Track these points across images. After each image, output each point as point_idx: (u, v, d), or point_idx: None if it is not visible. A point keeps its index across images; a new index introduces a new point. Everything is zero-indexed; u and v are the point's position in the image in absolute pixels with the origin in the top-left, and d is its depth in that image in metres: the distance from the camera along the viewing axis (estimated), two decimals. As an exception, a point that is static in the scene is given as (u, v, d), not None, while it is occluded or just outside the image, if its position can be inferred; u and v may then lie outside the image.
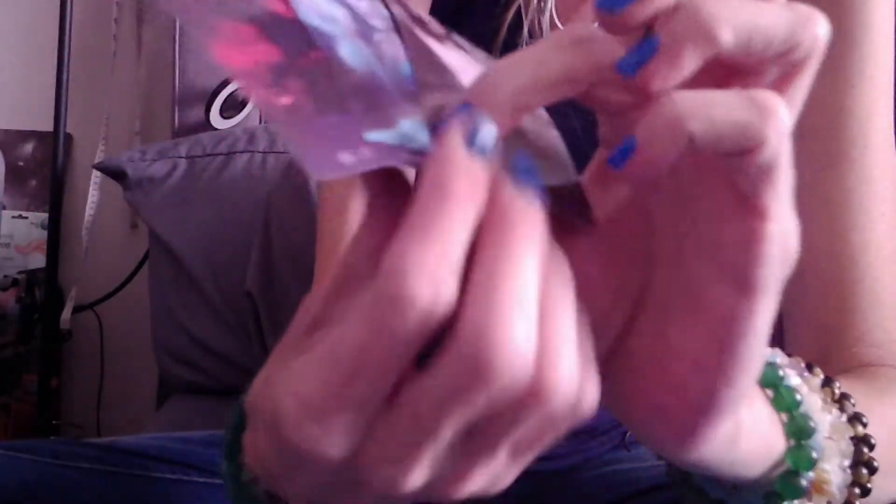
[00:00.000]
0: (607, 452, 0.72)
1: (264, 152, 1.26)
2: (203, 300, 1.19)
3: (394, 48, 0.29)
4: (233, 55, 0.26)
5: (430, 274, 0.23)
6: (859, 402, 0.39)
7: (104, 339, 1.67)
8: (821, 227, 0.54)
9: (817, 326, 0.53)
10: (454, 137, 0.25)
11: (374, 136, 0.26)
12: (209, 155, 1.27)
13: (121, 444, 0.65)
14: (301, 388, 0.26)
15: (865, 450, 0.38)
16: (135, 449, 0.64)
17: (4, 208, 1.73)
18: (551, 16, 0.64)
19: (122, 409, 1.66)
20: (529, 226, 0.25)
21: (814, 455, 0.36)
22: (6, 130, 1.76)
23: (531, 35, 0.63)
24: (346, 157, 0.25)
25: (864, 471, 0.38)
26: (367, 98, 0.27)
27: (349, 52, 0.28)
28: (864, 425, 0.39)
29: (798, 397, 0.36)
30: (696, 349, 0.29)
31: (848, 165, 0.55)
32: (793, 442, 0.36)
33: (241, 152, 1.26)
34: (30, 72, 1.73)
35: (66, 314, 1.58)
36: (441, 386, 0.24)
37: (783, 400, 0.36)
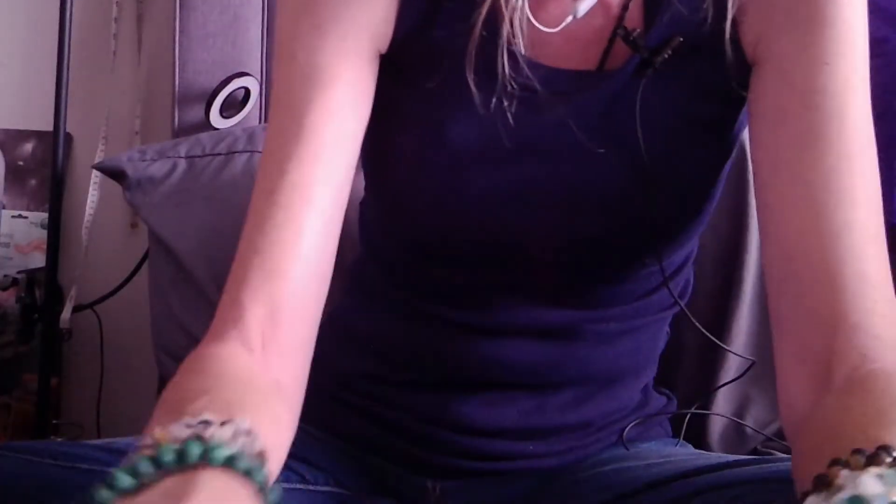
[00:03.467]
0: (605, 450, 0.72)
1: (264, 152, 1.26)
2: (203, 300, 1.19)
3: None
4: None
5: None
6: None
7: (104, 338, 1.66)
8: (804, 209, 0.53)
9: (808, 311, 0.53)
10: None
11: None
12: (209, 155, 1.27)
13: (120, 445, 0.65)
14: None
15: None
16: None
17: (4, 208, 1.73)
18: (525, 13, 0.62)
19: (122, 409, 1.66)
20: None
21: None
22: (6, 130, 1.76)
23: (512, 34, 0.62)
24: None
25: None
26: None
27: None
28: None
29: None
30: None
31: (826, 145, 0.54)
32: None
33: (241, 152, 1.26)
34: (30, 72, 1.73)
35: (66, 314, 1.58)
36: None
37: None
